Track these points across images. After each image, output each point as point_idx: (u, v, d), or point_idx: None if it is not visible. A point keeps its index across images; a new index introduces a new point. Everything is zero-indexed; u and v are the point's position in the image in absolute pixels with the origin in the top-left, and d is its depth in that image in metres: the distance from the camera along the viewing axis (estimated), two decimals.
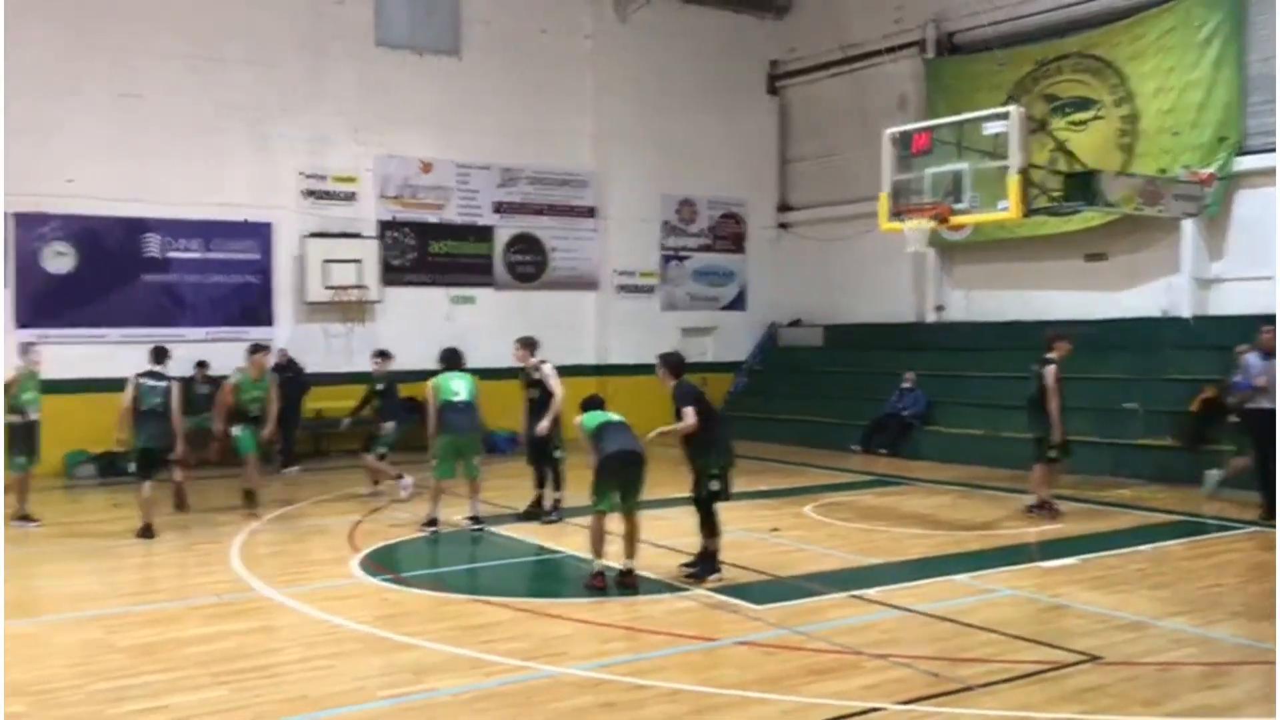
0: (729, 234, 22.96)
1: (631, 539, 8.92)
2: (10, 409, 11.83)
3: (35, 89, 16.45)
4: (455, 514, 11.86)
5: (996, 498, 13.60)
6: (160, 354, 12.00)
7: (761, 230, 23.22)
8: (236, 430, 12.81)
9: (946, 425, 17.78)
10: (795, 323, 23.03)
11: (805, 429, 19.52)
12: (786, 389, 21.35)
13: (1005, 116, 12.70)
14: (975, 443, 16.80)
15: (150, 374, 11.78)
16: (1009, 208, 12.51)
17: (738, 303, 23.11)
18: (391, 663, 7.10)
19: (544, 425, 11.85)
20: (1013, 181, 12.37)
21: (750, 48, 22.72)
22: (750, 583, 9.03)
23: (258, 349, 13.34)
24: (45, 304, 16.69)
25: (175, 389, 11.87)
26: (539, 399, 12.02)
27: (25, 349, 12.51)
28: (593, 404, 9.45)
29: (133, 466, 12.02)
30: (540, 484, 12.19)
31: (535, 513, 12.06)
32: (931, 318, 20.57)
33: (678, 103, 21.64)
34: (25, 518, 12.02)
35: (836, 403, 19.68)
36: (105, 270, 17.10)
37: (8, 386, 11.90)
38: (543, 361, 12.13)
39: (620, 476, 8.82)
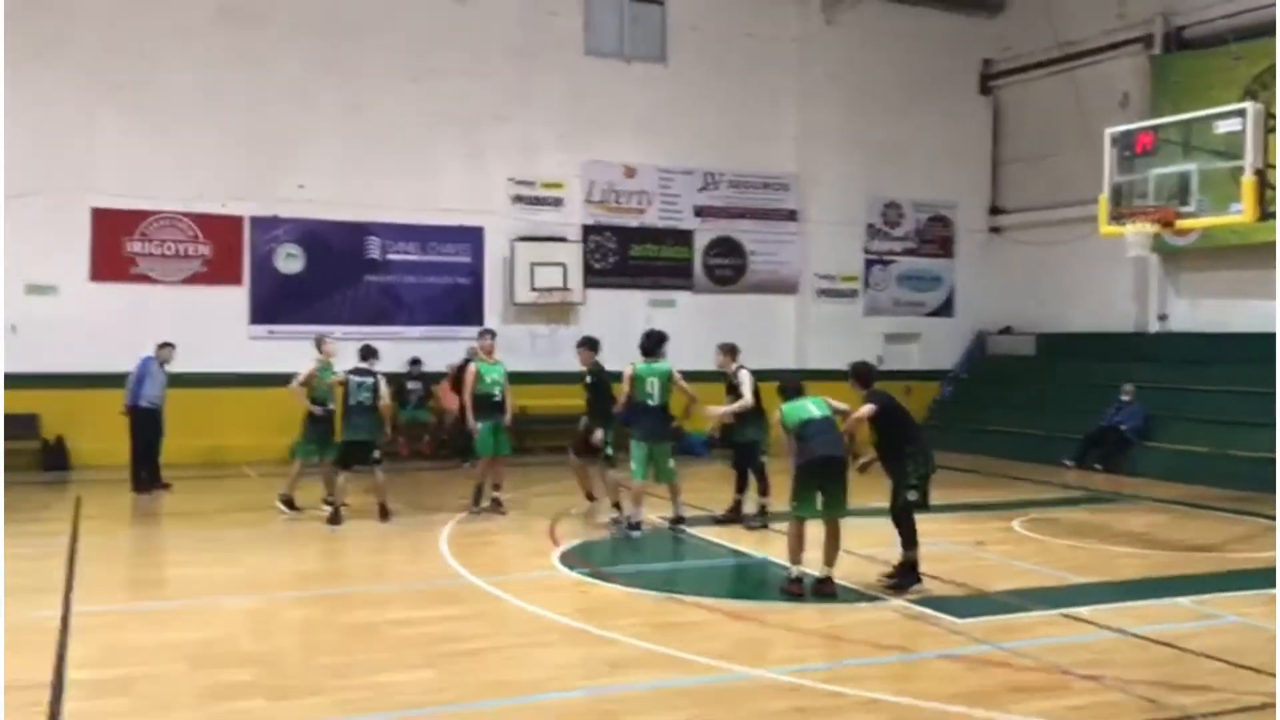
0: (936, 238, 22.39)
1: (832, 546, 8.81)
2: (312, 399, 12.57)
3: (274, 102, 17.64)
4: (650, 513, 11.99)
5: (1223, 519, 12.76)
6: (368, 352, 12.51)
7: (971, 234, 22.55)
8: (479, 425, 12.64)
9: (1168, 441, 16.81)
10: (1006, 330, 22.25)
11: (1014, 441, 18.83)
12: (995, 399, 20.65)
13: (1241, 114, 11.90)
14: (1199, 460, 15.82)
15: (358, 370, 12.35)
16: (1243, 211, 11.71)
17: (945, 309, 22.50)
18: (589, 654, 7.24)
19: (715, 410, 11.74)
20: (1248, 183, 11.58)
21: (962, 47, 22.10)
22: (953, 596, 8.78)
23: (486, 333, 13.47)
24: (277, 302, 17.83)
25: (383, 384, 12.38)
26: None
27: (320, 341, 13.21)
28: (792, 390, 9.25)
29: (336, 456, 12.37)
30: (740, 489, 12.18)
31: (733, 518, 12.05)
32: (1154, 327, 19.49)
33: (884, 104, 21.27)
34: (290, 503, 12.66)
35: (1048, 415, 18.91)
36: (331, 271, 18.14)
37: (308, 378, 12.63)
38: (740, 367, 12.08)
39: (821, 479, 8.72)
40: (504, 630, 7.86)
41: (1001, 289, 22.18)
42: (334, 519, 11.90)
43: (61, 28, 16.58)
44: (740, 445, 12.07)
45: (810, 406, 8.98)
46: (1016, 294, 21.89)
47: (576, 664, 7.07)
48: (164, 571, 10.43)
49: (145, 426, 14.23)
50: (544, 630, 7.81)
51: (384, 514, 12.14)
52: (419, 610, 8.35)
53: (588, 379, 12.35)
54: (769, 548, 10.59)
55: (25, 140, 16.22)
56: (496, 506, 12.72)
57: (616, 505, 11.95)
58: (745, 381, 11.92)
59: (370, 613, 8.23)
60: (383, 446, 12.63)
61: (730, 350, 12.25)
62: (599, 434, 11.92)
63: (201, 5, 17.31)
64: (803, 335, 21.15)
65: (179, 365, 15.01)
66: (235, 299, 17.60)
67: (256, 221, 17.72)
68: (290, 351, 17.46)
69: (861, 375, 9.21)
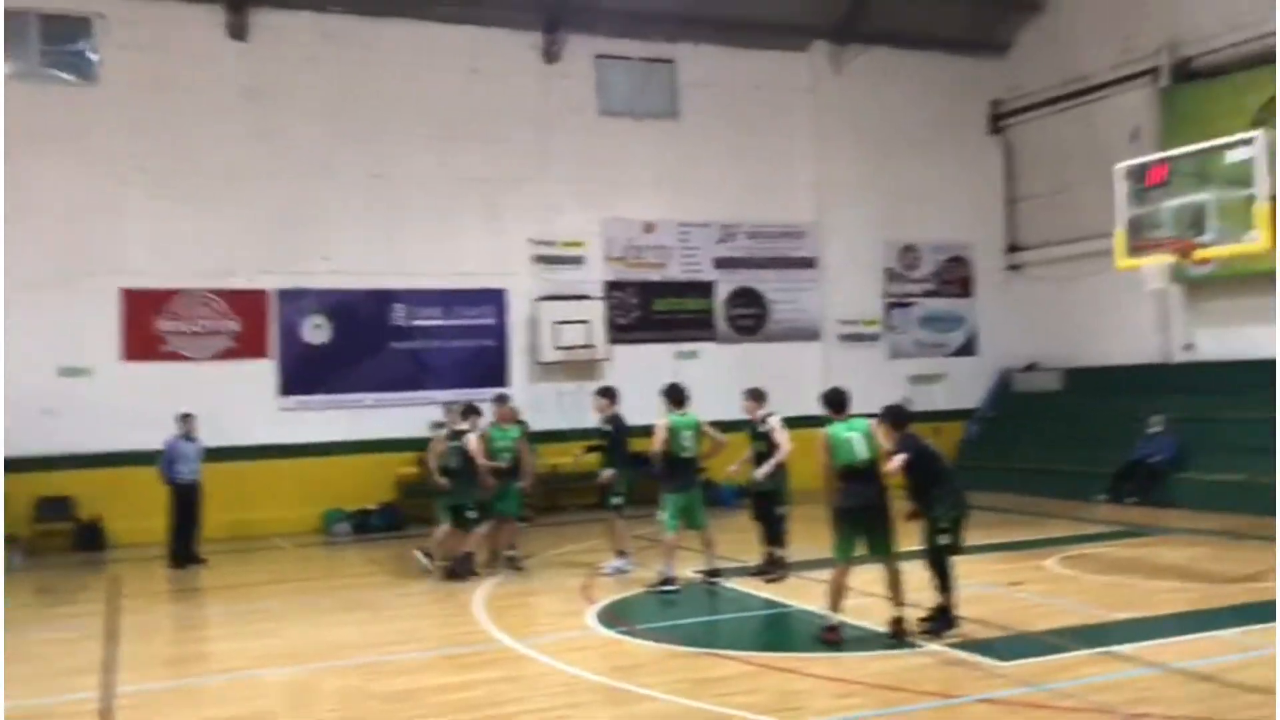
0: (955, 278, 22.45)
1: (893, 587, 8.82)
2: (489, 455, 12.70)
3: (297, 175, 18.00)
4: (682, 567, 11.98)
5: (1262, 547, 12.61)
6: (469, 411, 12.89)
7: (990, 273, 22.60)
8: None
9: (1201, 471, 16.67)
10: (1030, 367, 22.20)
11: (1045, 478, 18.70)
12: (1023, 436, 20.55)
13: (1250, 142, 11.96)
14: (1235, 489, 15.68)
15: (454, 433, 12.73)
16: (1258, 238, 11.73)
17: (967, 348, 22.50)
18: (628, 713, 7.24)
19: (763, 471, 11.81)
20: (1261, 210, 11.60)
21: (971, 88, 22.30)
22: (992, 638, 8.73)
23: (502, 399, 13.71)
24: (305, 373, 18.03)
25: (472, 441, 12.58)
26: (765, 452, 11.97)
27: (499, 400, 13.51)
28: (836, 401, 9.36)
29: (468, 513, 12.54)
30: (768, 540, 12.15)
31: (768, 568, 12.00)
32: (1179, 357, 19.40)
33: (897, 149, 21.47)
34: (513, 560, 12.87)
35: (1079, 450, 18.78)
36: (358, 340, 18.36)
37: (483, 438, 12.80)
38: (770, 414, 12.08)
39: (860, 526, 8.75)
40: (541, 692, 7.86)
41: (1023, 326, 22.17)
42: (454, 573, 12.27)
43: (87, 110, 17.01)
44: (761, 494, 12.03)
45: (856, 446, 8.92)
46: (1038, 330, 21.87)
47: None
48: (204, 647, 10.50)
49: (183, 502, 14.37)
50: (581, 690, 7.82)
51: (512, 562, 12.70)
52: (457, 675, 8.37)
53: (605, 427, 12.70)
54: (802, 597, 10.56)
55: (55, 223, 16.60)
56: (511, 564, 12.80)
57: (620, 553, 12.37)
58: (778, 428, 11.88)
59: (409, 680, 8.26)
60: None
61: (758, 396, 12.26)
62: (608, 473, 12.42)
63: (224, 84, 17.72)
64: (827, 381, 20.63)
65: (210, 440, 15.20)
66: (264, 372, 17.82)
67: (283, 294, 17.98)
68: (320, 421, 17.81)
69: (895, 418, 9.20)
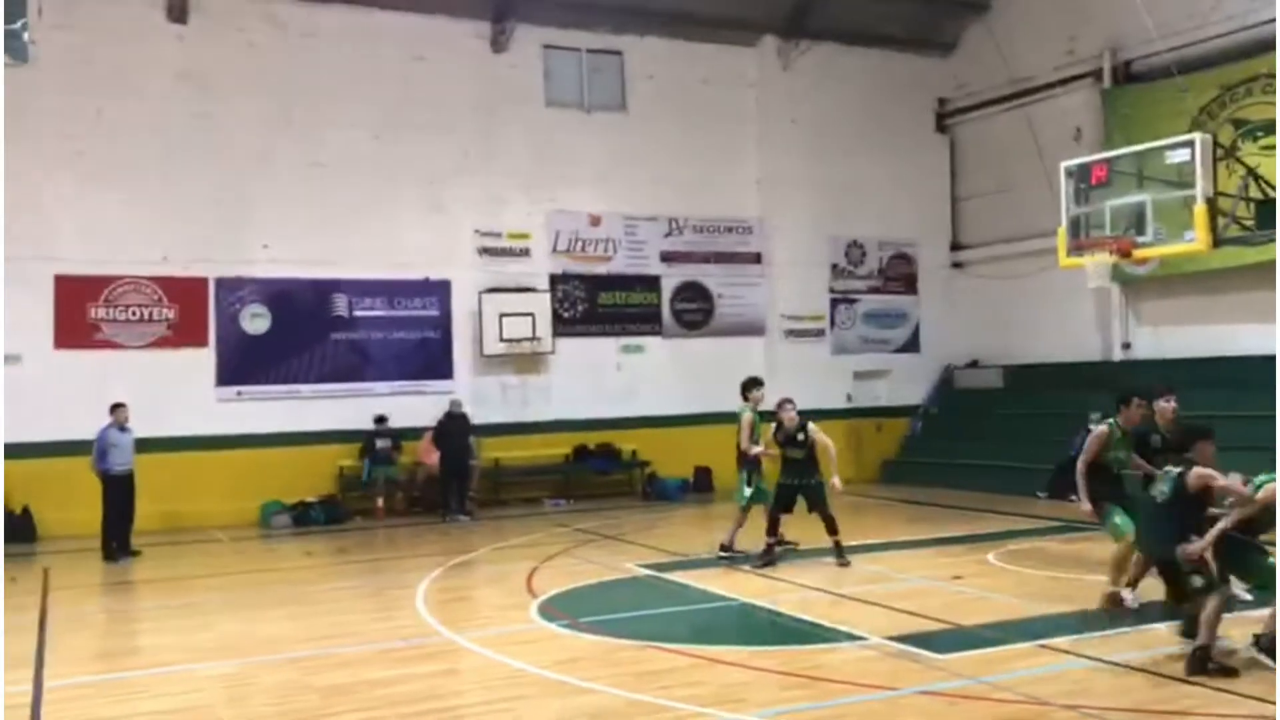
0: (900, 275, 22.63)
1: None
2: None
3: (236, 162, 17.66)
4: (626, 560, 11.97)
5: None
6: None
7: (934, 270, 22.81)
8: None
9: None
10: (973, 364, 22.44)
11: (986, 474, 18.91)
12: (965, 433, 20.77)
13: (1189, 144, 12.16)
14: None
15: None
16: (1196, 239, 11.93)
17: (911, 345, 22.69)
18: (570, 706, 7.18)
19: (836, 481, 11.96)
20: (1199, 211, 11.80)
21: (917, 87, 22.47)
22: (932, 632, 8.79)
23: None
24: (244, 363, 17.72)
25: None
26: (804, 460, 11.95)
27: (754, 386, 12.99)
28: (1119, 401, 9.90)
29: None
30: (829, 530, 12.02)
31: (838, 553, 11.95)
32: (1118, 356, 19.72)
33: (843, 145, 21.56)
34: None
35: (1019, 446, 18.97)
36: (298, 330, 18.06)
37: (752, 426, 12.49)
38: (807, 421, 12.18)
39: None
40: (482, 685, 7.79)
41: (966, 323, 22.41)
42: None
43: (20, 92, 16.53)
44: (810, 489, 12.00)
45: None
46: (981, 328, 22.11)
47: (557, 717, 7.01)
48: (136, 640, 10.26)
49: (117, 493, 14.08)
50: (524, 684, 7.74)
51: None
52: (396, 669, 8.25)
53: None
54: (745, 590, 10.59)
55: None
56: None
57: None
58: (817, 432, 12.04)
59: (348, 673, 8.13)
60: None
61: (793, 403, 12.32)
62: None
63: (162, 67, 17.33)
64: (772, 376, 21.03)
65: (146, 430, 14.91)
66: (201, 361, 17.48)
67: (221, 283, 17.65)
68: (259, 412, 17.53)
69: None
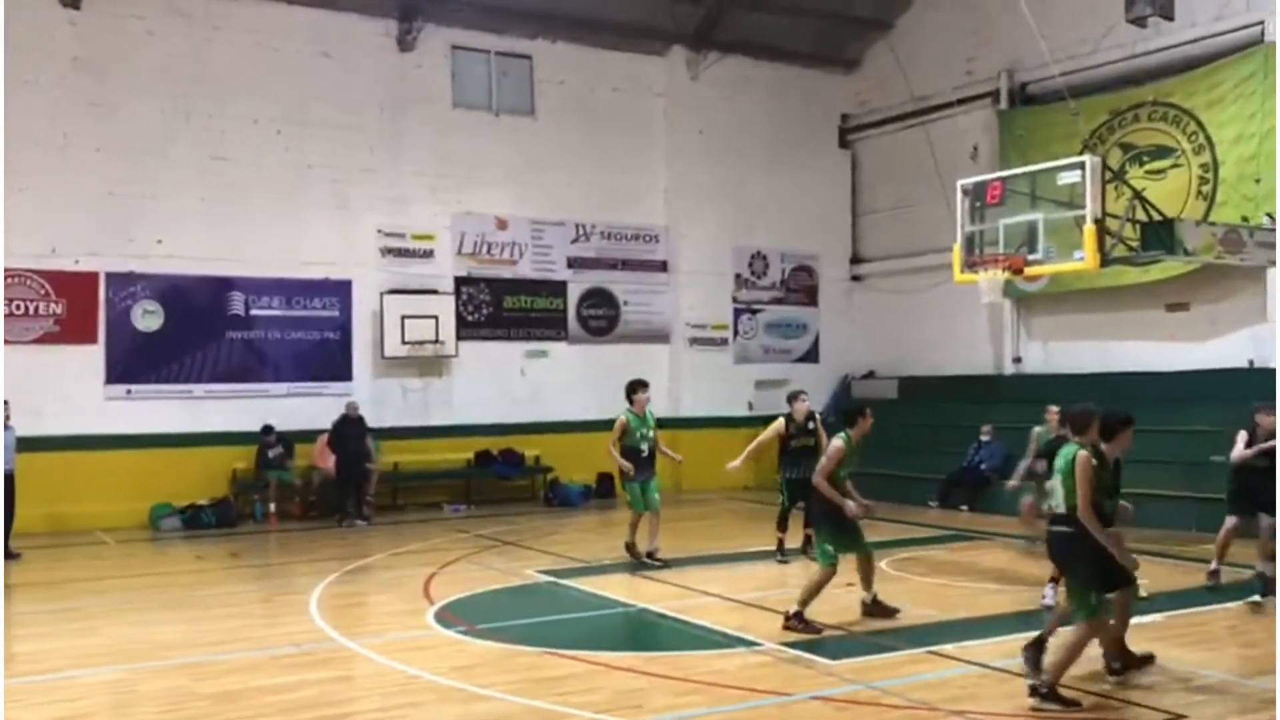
0: (802, 287, 22.97)
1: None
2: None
3: (128, 154, 17.16)
4: (525, 566, 11.95)
5: None
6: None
7: (834, 282, 23.21)
8: None
9: (1027, 479, 17.41)
10: (869, 375, 22.89)
11: (880, 483, 19.05)
12: (861, 442, 21.08)
13: (1080, 166, 12.60)
14: None
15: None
16: (1085, 258, 12.37)
17: (811, 355, 23.04)
18: (466, 712, 7.15)
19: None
20: (1089, 231, 12.24)
21: (821, 101, 22.85)
22: (826, 638, 8.95)
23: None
24: (135, 361, 17.21)
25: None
26: (812, 447, 12.24)
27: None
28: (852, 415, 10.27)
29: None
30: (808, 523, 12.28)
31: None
32: (1010, 369, 20.30)
33: (749, 157, 21.83)
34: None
35: (912, 456, 19.42)
36: (192, 328, 17.58)
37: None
38: (814, 414, 12.94)
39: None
40: (376, 692, 7.71)
41: (864, 335, 22.86)
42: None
43: None
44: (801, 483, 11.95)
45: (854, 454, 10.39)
46: (878, 340, 22.57)
47: None
48: (16, 646, 9.87)
49: None
50: (418, 690, 7.67)
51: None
52: (289, 675, 8.11)
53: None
54: (642, 595, 10.65)
55: None
56: None
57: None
58: (823, 427, 12.53)
59: (238, 679, 7.96)
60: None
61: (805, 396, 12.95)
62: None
63: (54, 52, 16.76)
64: (675, 383, 21.38)
65: (29, 429, 14.42)
66: (90, 358, 16.92)
67: (112, 278, 17.11)
68: (149, 411, 17.05)
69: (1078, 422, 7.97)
